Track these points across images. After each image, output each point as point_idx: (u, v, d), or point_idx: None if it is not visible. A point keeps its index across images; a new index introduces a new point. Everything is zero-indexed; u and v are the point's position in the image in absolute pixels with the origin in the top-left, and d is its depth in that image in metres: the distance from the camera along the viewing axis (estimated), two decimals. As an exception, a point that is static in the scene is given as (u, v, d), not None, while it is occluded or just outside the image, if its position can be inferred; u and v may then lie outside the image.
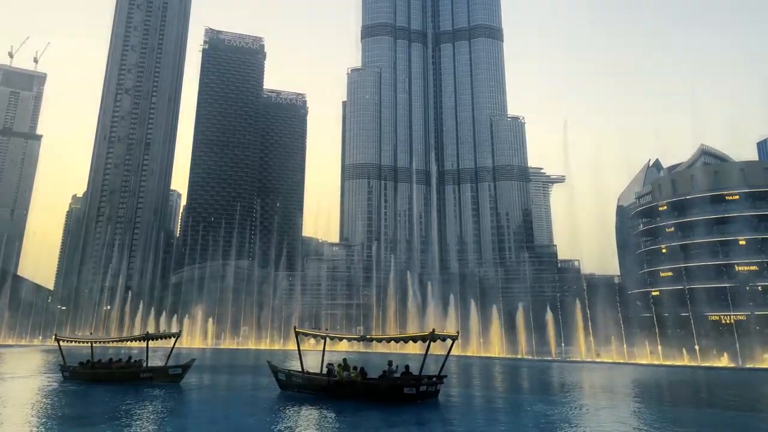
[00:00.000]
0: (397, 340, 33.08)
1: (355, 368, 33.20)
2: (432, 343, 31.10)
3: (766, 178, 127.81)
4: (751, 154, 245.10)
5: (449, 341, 32.14)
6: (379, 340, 34.31)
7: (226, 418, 28.34)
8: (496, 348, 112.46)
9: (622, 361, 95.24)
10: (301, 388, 33.88)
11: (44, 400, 33.72)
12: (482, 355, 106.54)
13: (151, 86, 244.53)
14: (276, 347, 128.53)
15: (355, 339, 36.49)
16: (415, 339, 32.04)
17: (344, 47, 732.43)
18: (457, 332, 33.25)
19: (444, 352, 33.16)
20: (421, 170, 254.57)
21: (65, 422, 27.04)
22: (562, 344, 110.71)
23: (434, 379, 31.81)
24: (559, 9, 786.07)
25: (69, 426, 26.07)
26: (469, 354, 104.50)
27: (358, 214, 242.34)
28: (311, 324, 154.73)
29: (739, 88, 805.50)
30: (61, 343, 45.49)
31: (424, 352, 32.15)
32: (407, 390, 30.21)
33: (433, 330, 31.32)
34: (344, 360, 34.23)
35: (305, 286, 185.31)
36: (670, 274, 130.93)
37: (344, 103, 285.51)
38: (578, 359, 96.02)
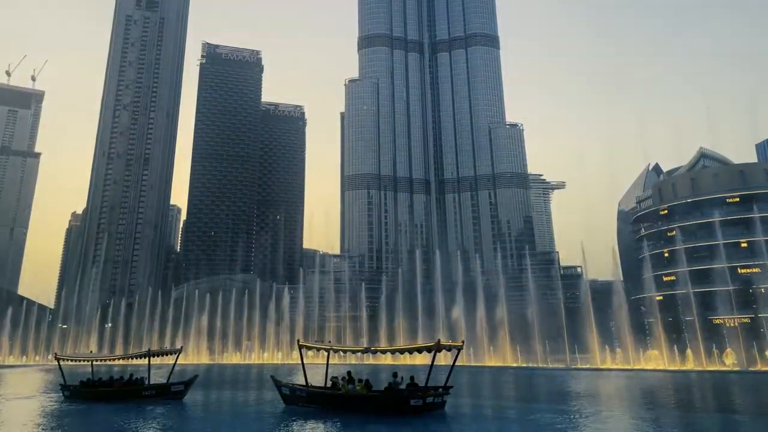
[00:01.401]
0: (402, 351, 32.63)
1: (360, 381, 32.74)
2: (438, 353, 30.66)
3: (766, 180, 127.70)
4: (751, 156, 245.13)
5: (455, 351, 31.71)
6: (384, 352, 33.81)
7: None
8: (501, 356, 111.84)
9: (627, 367, 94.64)
10: (306, 403, 33.39)
11: (45, 420, 33.20)
12: (488, 364, 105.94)
13: (149, 101, 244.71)
14: (278, 361, 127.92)
15: (359, 351, 36.01)
16: (420, 350, 31.60)
17: (342, 58, 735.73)
18: (462, 342, 32.80)
19: (450, 362, 32.75)
20: (421, 179, 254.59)
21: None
22: (567, 351, 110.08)
23: (440, 390, 31.33)
24: (556, 15, 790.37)
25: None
26: (474, 364, 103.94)
27: (358, 225, 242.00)
28: (314, 336, 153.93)
29: (739, 89, 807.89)
30: (61, 362, 44.95)
31: (429, 362, 31.74)
32: (414, 402, 29.73)
33: (439, 340, 30.89)
34: (348, 373, 33.77)
35: (307, 299, 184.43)
36: (672, 278, 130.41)
37: (343, 114, 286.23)
38: (583, 366, 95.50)
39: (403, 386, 31.57)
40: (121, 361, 61.34)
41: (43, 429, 29.83)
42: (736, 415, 34.75)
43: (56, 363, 45.69)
